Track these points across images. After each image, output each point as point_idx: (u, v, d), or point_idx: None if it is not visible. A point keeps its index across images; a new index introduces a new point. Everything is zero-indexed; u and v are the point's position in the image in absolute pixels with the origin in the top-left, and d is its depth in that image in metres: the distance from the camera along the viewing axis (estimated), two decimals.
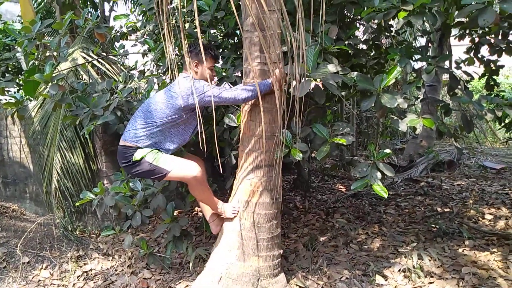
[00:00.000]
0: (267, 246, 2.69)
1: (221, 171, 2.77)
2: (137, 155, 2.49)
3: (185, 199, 3.26)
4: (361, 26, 5.00)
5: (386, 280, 2.92)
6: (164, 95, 2.53)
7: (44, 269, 3.43)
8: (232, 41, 4.00)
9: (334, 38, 2.80)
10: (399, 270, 3.02)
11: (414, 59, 3.33)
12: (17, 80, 6.60)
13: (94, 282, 3.25)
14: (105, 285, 3.19)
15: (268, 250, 2.69)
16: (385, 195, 2.42)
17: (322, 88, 2.59)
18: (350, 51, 3.11)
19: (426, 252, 3.17)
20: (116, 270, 3.44)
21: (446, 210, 4.38)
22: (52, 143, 4.07)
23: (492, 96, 3.47)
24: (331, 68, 2.47)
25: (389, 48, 3.34)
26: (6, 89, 4.10)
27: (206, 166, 4.86)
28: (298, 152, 2.42)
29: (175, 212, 3.25)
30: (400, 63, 2.81)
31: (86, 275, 3.35)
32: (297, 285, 2.89)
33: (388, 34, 3.67)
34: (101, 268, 3.48)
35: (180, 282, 3.11)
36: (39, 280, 3.27)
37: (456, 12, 3.52)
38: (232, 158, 3.23)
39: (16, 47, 6.85)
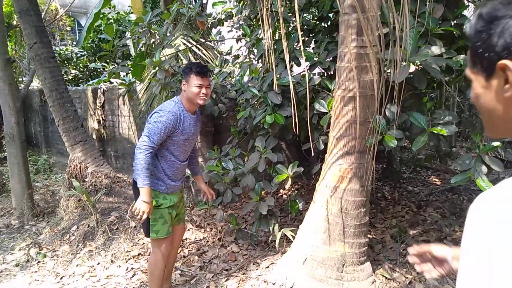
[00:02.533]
0: (354, 233, 2.66)
1: (308, 155, 2.80)
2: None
3: (272, 181, 3.38)
4: (471, 3, 4.50)
5: None
6: None
7: None
8: (325, 25, 3.94)
9: (439, 18, 2.59)
10: None
11: None
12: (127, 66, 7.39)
13: (188, 250, 3.58)
14: (198, 254, 3.49)
15: (354, 237, 2.67)
16: None
17: (422, 72, 2.44)
18: (456, 33, 2.85)
19: None
20: (207, 241, 3.73)
21: None
22: None
23: None
24: (435, 50, 2.30)
25: None
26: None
27: (293, 150, 4.90)
28: (393, 139, 2.33)
29: (262, 193, 3.38)
30: None
31: (182, 243, 3.69)
32: (383, 275, 2.82)
33: None
34: (195, 238, 3.80)
35: (265, 259, 3.25)
36: (143, 244, 3.70)
37: None
38: (321, 143, 3.24)
39: (126, 34, 7.64)
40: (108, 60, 8.19)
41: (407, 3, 1.81)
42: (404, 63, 2.12)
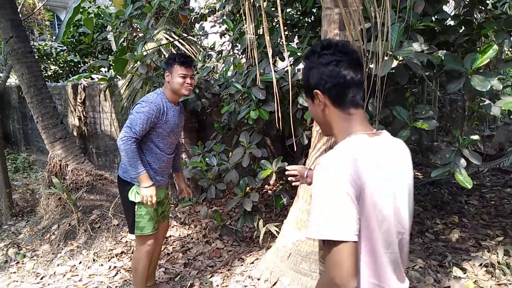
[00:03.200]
0: None
1: (292, 150, 2.80)
2: (130, 195, 2.41)
3: (256, 176, 3.37)
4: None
5: (464, 273, 2.76)
6: None
7: None
8: (309, 20, 3.93)
9: (420, 13, 2.62)
10: (481, 265, 2.82)
11: None
12: (108, 60, 7.25)
13: (173, 248, 3.54)
14: (182, 251, 3.46)
15: None
16: (469, 186, 2.25)
17: (404, 68, 2.45)
18: (437, 28, 2.89)
19: None
20: (192, 238, 3.70)
21: None
22: None
23: None
24: (416, 46, 2.32)
25: (483, 23, 3.03)
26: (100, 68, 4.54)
27: (277, 146, 4.91)
28: None
29: (247, 188, 3.37)
30: (497, 38, 2.54)
31: (166, 240, 3.65)
32: None
33: (483, 8, 3.32)
34: (179, 235, 3.76)
35: (250, 255, 3.25)
36: (126, 242, 3.65)
37: None
38: (305, 138, 3.24)
39: (107, 29, 7.49)
40: (88, 55, 8.02)
41: None
42: (387, 57, 2.13)
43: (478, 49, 3.49)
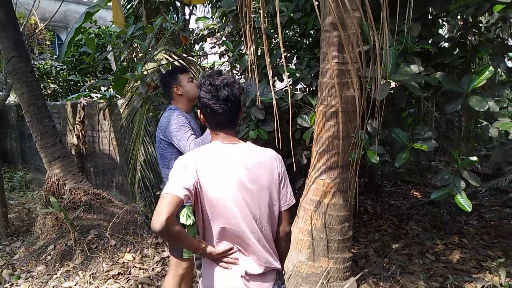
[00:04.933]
0: (338, 248, 2.66)
1: (292, 171, 2.80)
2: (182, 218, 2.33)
3: None
4: (446, 23, 4.67)
5: None
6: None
7: (128, 252, 3.76)
8: (307, 41, 4.00)
9: (416, 36, 2.67)
10: (483, 287, 2.79)
11: (508, 57, 3.04)
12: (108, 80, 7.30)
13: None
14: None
15: (339, 252, 2.66)
16: (469, 209, 2.25)
17: (402, 89, 2.49)
18: (433, 50, 2.94)
19: None
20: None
21: None
22: (137, 138, 4.44)
23: None
24: (414, 68, 2.36)
25: (477, 45, 3.09)
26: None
27: None
28: (375, 155, 2.36)
29: None
30: (492, 61, 2.60)
31: (164, 261, 3.60)
32: None
33: (476, 31, 3.40)
34: None
35: None
36: (123, 262, 3.59)
37: None
38: (304, 158, 3.24)
39: (107, 49, 7.58)
40: (88, 74, 8.08)
41: (386, 22, 1.86)
42: (385, 81, 2.16)
43: (473, 70, 3.56)
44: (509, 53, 2.93)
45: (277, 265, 1.56)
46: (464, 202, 2.27)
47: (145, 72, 3.55)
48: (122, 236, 3.97)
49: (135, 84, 3.50)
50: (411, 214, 4.50)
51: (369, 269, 3.12)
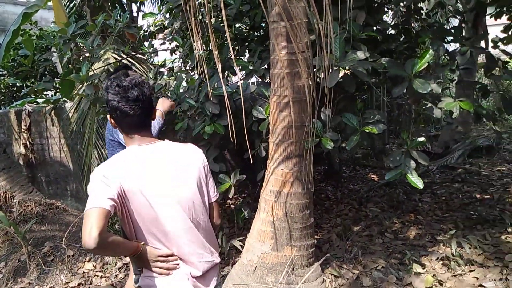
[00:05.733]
0: (300, 236, 2.70)
1: (251, 163, 2.80)
2: None
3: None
4: (390, 10, 4.85)
5: (423, 268, 2.87)
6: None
7: (88, 261, 3.61)
8: (258, 34, 4.00)
9: (362, 24, 2.75)
10: (438, 259, 2.96)
11: (446, 41, 3.21)
12: (54, 83, 6.91)
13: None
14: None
15: (301, 239, 2.71)
16: (421, 186, 2.36)
17: (351, 76, 2.56)
18: (378, 37, 3.04)
19: (465, 240, 3.07)
20: None
21: (486, 197, 4.22)
22: (89, 142, 4.26)
23: None
24: (360, 55, 2.42)
25: (419, 31, 3.23)
26: (44, 91, 4.30)
27: (237, 159, 4.89)
28: (329, 141, 2.41)
29: None
30: (432, 45, 2.73)
31: (127, 266, 3.49)
32: (332, 274, 2.89)
33: (418, 17, 3.55)
34: None
35: None
36: (83, 272, 3.44)
37: None
38: (262, 150, 3.25)
39: (51, 50, 7.17)
40: (30, 78, 7.61)
41: (329, 11, 1.89)
42: (334, 69, 2.20)
43: (417, 55, 3.72)
44: (447, 37, 3.08)
45: (217, 259, 1.61)
46: (415, 180, 2.38)
47: (91, 73, 3.39)
48: (80, 246, 3.79)
49: (82, 86, 3.33)
50: (370, 197, 4.66)
51: (332, 253, 3.20)
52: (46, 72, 7.16)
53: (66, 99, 4.87)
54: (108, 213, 1.25)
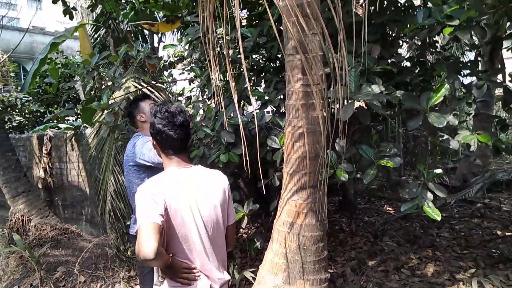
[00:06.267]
0: (313, 269, 2.63)
1: (264, 193, 2.80)
2: None
3: None
4: (404, 43, 4.91)
5: None
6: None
7: None
8: (274, 65, 4.09)
9: (376, 57, 2.78)
10: None
11: (463, 74, 3.21)
12: (76, 109, 7.15)
13: None
14: None
15: (315, 273, 2.64)
16: (438, 218, 2.30)
17: (366, 108, 2.57)
18: (393, 70, 3.07)
19: (487, 279, 2.95)
20: None
21: (508, 234, 4.06)
22: (106, 167, 4.33)
23: None
24: (375, 88, 2.44)
25: (435, 64, 3.25)
26: (66, 118, 4.44)
27: (251, 188, 4.88)
28: (344, 173, 2.39)
29: None
30: (448, 79, 2.73)
31: None
32: None
33: (434, 50, 3.58)
34: None
35: None
36: None
37: (508, 24, 3.37)
38: (276, 180, 3.25)
39: (75, 78, 7.47)
40: (53, 104, 7.90)
41: (344, 45, 1.93)
42: (349, 101, 2.23)
43: (433, 87, 3.72)
44: (463, 71, 3.08)
45: (227, 276, 1.77)
46: (432, 211, 2.32)
47: (112, 101, 3.50)
48: (92, 272, 3.79)
49: (102, 113, 3.44)
50: (385, 230, 4.55)
51: None
52: (69, 99, 7.43)
53: (86, 125, 5.02)
54: (160, 227, 1.42)
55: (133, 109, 2.56)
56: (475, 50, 4.20)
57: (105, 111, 3.25)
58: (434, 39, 3.60)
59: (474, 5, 2.42)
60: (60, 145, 5.62)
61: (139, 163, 2.40)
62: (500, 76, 5.20)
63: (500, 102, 3.24)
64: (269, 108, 3.79)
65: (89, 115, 4.97)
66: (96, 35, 8.24)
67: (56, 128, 6.45)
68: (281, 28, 2.81)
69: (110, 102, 3.40)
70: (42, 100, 7.83)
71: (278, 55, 3.97)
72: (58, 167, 5.76)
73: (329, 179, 2.47)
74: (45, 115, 8.52)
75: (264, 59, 4.30)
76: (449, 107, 2.91)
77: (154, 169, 2.37)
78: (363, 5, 2.57)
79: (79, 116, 7.08)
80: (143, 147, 2.37)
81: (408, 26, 2.78)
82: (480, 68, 4.23)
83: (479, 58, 4.89)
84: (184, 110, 1.66)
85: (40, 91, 8.29)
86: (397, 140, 5.84)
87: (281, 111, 3.59)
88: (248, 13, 4.39)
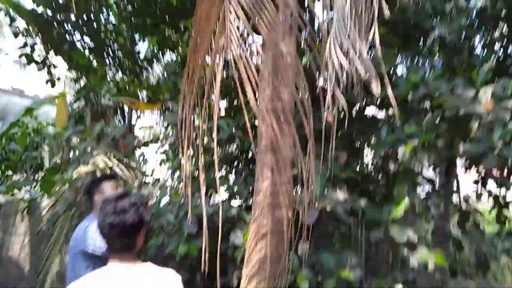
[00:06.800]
0: None
1: None
2: None
3: None
4: (370, 151, 5.20)
5: None
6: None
7: None
8: (246, 156, 4.19)
9: (343, 164, 2.92)
10: None
11: (421, 187, 3.38)
12: (36, 176, 6.81)
13: None
14: None
15: None
16: None
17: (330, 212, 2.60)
18: (358, 178, 3.19)
19: None
20: None
21: None
22: (54, 245, 4.01)
23: (506, 232, 3.38)
24: (340, 196, 2.52)
25: (396, 175, 3.42)
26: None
27: (207, 284, 4.59)
28: (305, 281, 2.32)
29: None
30: (408, 193, 2.86)
31: None
32: None
33: (395, 162, 3.80)
34: None
35: None
36: None
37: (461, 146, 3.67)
38: (234, 279, 3.08)
39: (43, 147, 7.28)
40: (14, 170, 7.53)
41: (312, 149, 2.03)
42: (314, 206, 2.26)
43: (395, 197, 3.86)
44: (422, 185, 3.26)
45: None
46: None
47: (76, 175, 3.41)
48: None
49: (64, 187, 3.31)
50: None
51: None
52: (31, 167, 7.15)
53: (44, 194, 4.75)
54: None
55: (93, 188, 2.43)
56: (432, 167, 4.48)
57: (67, 185, 3.14)
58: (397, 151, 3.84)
59: (428, 128, 2.67)
60: (10, 214, 5.22)
61: (87, 251, 2.20)
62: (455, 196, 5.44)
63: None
64: (237, 201, 3.77)
65: (50, 186, 4.77)
66: (75, 106, 8.29)
67: (11, 194, 6.06)
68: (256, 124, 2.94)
69: (74, 176, 3.30)
70: (2, 167, 7.48)
71: (251, 148, 4.10)
72: (0, 236, 5.27)
73: (289, 286, 2.38)
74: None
75: (237, 149, 4.41)
76: (409, 222, 3.00)
77: (102, 259, 2.20)
78: (333, 113, 2.78)
79: (38, 184, 6.75)
80: (96, 233, 2.21)
81: (373, 137, 2.99)
82: (437, 184, 4.46)
83: (437, 175, 5.18)
84: (139, 205, 1.54)
85: (3, 154, 7.96)
86: (360, 249, 5.82)
87: (249, 204, 3.57)
88: (227, 103, 4.61)
